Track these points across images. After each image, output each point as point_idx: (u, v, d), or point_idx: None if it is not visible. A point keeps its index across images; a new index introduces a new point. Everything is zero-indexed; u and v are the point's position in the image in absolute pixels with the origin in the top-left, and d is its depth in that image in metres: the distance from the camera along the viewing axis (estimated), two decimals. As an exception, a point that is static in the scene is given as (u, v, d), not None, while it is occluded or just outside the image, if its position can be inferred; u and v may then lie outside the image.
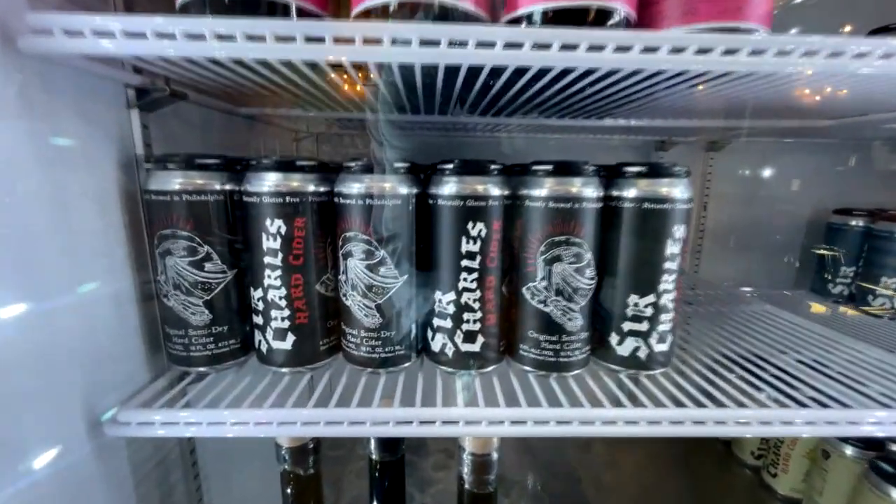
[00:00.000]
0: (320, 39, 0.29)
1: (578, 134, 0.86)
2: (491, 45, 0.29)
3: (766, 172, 0.91)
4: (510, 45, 0.30)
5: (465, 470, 0.41)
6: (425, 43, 0.29)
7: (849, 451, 0.69)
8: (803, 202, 0.91)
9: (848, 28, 0.67)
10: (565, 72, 0.33)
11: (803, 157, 0.89)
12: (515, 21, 0.33)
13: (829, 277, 0.84)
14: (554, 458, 0.94)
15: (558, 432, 0.36)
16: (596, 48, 0.29)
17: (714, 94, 0.45)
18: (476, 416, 0.37)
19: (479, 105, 0.55)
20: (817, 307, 0.82)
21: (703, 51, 0.30)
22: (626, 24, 0.33)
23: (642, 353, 0.43)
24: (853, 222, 0.82)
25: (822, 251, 0.86)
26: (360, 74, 0.38)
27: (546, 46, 0.29)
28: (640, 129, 0.79)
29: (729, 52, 0.30)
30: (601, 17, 0.32)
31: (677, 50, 0.30)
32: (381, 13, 0.31)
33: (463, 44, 0.29)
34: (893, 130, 0.70)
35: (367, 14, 0.32)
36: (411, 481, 0.84)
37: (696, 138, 0.87)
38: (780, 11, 0.32)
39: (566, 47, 0.29)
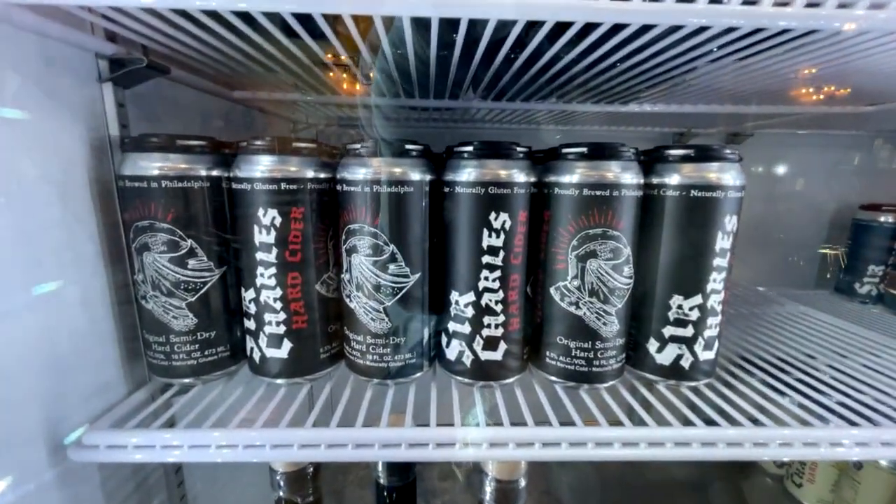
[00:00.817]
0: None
1: (592, 125, 0.81)
2: (528, -6, 0.24)
3: (788, 166, 0.87)
4: (550, -5, 0.25)
5: (488, 498, 0.36)
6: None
7: (884, 461, 0.64)
8: (826, 197, 0.87)
9: None
10: (616, 28, 0.27)
11: (827, 149, 0.85)
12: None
13: (856, 276, 0.80)
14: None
15: (597, 455, 0.31)
16: (653, -1, 0.24)
17: (760, 71, 0.40)
18: (502, 438, 0.32)
19: (495, 87, 0.50)
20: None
21: (781, 3, 0.25)
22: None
23: (685, 362, 0.38)
24: (882, 218, 0.78)
25: (847, 249, 0.82)
26: (363, 36, 0.33)
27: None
28: (661, 118, 0.74)
29: (811, 4, 0.25)
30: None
31: (750, 2, 0.25)
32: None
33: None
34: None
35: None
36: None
37: (716, 130, 0.83)
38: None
39: (618, -3, 0.24)
